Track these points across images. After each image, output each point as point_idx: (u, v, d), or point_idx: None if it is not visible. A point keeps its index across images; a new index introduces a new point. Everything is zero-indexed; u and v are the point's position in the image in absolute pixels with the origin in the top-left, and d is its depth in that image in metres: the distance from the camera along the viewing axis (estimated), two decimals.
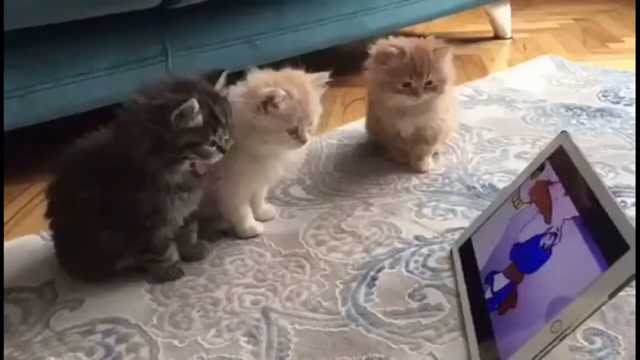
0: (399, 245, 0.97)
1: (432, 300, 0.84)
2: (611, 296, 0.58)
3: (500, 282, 0.76)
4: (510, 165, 1.22)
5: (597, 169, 0.98)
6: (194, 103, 0.79)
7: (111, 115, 0.85)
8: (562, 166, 0.77)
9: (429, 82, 1.11)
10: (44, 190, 0.92)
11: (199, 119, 0.81)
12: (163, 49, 1.30)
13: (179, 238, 0.94)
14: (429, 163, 1.23)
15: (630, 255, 0.57)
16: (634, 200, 1.05)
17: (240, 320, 0.82)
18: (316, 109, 0.96)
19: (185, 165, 0.84)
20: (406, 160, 1.24)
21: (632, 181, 1.11)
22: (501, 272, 0.77)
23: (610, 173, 1.15)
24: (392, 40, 1.15)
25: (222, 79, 0.88)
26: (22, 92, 1.14)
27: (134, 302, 0.87)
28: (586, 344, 0.73)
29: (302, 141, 0.94)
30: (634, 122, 1.39)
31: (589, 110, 1.48)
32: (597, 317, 0.76)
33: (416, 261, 0.93)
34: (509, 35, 2.25)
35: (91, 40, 1.21)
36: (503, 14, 2.22)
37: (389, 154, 1.28)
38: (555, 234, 0.70)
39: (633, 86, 1.61)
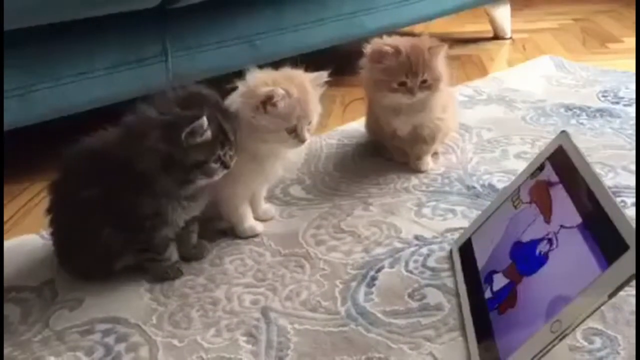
0: (398, 245, 0.97)
1: (432, 300, 0.84)
2: (611, 296, 0.58)
3: (499, 281, 0.76)
4: (510, 165, 1.22)
5: (597, 169, 0.98)
6: (204, 121, 0.80)
7: (111, 115, 0.85)
8: (561, 166, 0.77)
9: (424, 81, 1.10)
10: (47, 187, 0.92)
11: (208, 134, 0.82)
12: (163, 48, 1.30)
13: (179, 238, 0.94)
14: (428, 163, 1.23)
15: (630, 255, 0.57)
16: (633, 200, 1.05)
17: (240, 319, 0.82)
18: (315, 108, 0.96)
19: (195, 185, 0.85)
20: (406, 160, 1.24)
21: (632, 181, 1.11)
22: (501, 271, 0.77)
23: (610, 173, 1.15)
24: (387, 39, 1.15)
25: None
26: (22, 91, 1.14)
27: (134, 301, 0.87)
28: (586, 343, 0.73)
29: (302, 140, 0.94)
30: (633, 122, 1.39)
31: (589, 111, 1.48)
32: (597, 317, 0.76)
33: (416, 261, 0.93)
34: (508, 36, 2.25)
35: (91, 40, 1.21)
36: (503, 14, 2.22)
37: (388, 153, 1.28)
38: (550, 240, 0.71)
39: (633, 86, 1.61)
